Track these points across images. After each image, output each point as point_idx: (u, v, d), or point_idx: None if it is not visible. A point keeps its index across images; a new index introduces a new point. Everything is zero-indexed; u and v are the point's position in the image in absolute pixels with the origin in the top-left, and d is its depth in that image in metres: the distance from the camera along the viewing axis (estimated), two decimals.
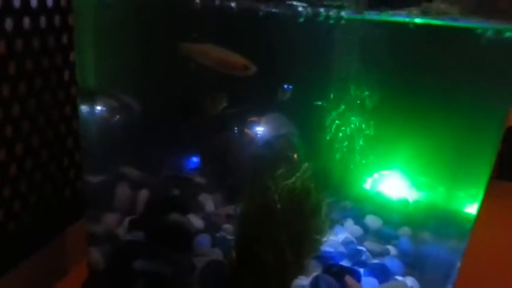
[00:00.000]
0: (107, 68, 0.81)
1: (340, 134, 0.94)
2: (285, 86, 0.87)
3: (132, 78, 0.84)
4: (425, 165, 0.89)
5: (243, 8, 0.74)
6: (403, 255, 0.82)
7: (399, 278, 0.76)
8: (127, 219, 0.80)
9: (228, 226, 0.82)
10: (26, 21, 0.67)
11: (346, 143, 0.94)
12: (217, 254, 0.75)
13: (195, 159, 0.94)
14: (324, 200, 0.75)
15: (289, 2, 0.74)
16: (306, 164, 0.73)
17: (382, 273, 0.75)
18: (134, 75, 0.83)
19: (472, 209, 0.77)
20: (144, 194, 0.84)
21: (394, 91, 0.85)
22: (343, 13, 0.71)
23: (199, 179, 0.92)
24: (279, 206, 0.70)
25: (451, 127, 0.80)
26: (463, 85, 0.76)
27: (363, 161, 0.94)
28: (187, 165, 0.94)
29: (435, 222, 0.85)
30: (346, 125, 0.93)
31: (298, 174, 0.72)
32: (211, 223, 0.82)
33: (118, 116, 0.88)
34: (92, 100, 0.80)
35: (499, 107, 0.72)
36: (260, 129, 0.93)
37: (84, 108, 0.78)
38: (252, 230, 0.70)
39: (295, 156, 0.90)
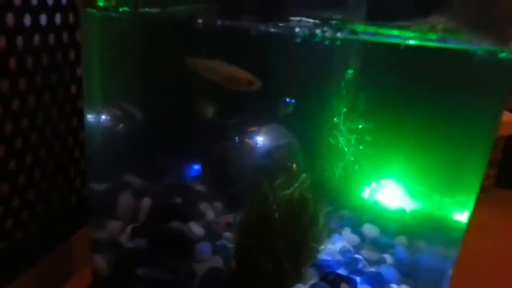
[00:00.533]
0: (113, 81, 0.84)
1: (339, 145, 0.96)
2: (287, 100, 0.89)
3: (138, 90, 0.87)
4: (421, 175, 0.92)
5: (242, 28, 0.77)
6: (398, 264, 0.84)
7: (394, 286, 0.78)
8: (130, 227, 0.83)
9: (228, 234, 0.84)
10: (36, 38, 0.71)
11: (344, 154, 0.97)
12: (217, 261, 0.78)
13: (196, 167, 0.97)
14: (322, 210, 0.77)
15: (290, 19, 0.77)
16: (304, 175, 0.76)
17: (378, 282, 0.77)
18: (139, 87, 0.86)
19: (463, 217, 0.79)
20: (146, 202, 0.86)
21: (390, 104, 0.88)
22: (339, 34, 0.74)
23: (200, 188, 0.94)
24: (277, 215, 0.73)
25: (445, 139, 0.82)
26: (455, 99, 0.78)
27: (361, 171, 0.97)
28: (188, 174, 0.97)
29: (429, 231, 0.88)
30: (344, 135, 0.96)
31: (296, 184, 0.75)
32: (211, 231, 0.84)
33: (122, 126, 0.91)
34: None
35: (489, 120, 0.75)
36: (260, 139, 0.96)
37: (89, 119, 0.81)
38: (250, 238, 0.73)
39: (294, 166, 0.93)
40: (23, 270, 0.73)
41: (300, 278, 0.75)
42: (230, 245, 0.80)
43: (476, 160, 0.76)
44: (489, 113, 0.75)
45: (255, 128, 0.96)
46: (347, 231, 0.92)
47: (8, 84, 0.66)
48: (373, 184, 1.01)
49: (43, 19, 0.72)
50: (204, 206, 0.90)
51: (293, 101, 0.89)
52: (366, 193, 1.00)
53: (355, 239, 0.90)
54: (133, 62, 0.83)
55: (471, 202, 0.75)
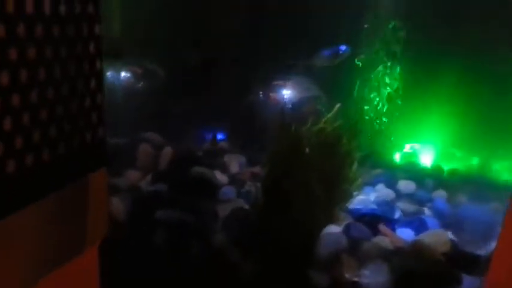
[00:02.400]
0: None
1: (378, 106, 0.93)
2: (341, 48, 0.84)
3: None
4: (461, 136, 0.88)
5: None
6: (438, 216, 0.76)
7: (437, 229, 0.70)
8: (150, 175, 0.79)
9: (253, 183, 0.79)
10: None
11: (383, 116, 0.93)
12: (241, 203, 0.72)
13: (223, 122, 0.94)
14: (355, 150, 0.72)
15: None
16: (338, 105, 0.71)
17: (419, 225, 0.70)
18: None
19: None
20: (167, 151, 0.82)
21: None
22: None
23: (225, 144, 0.91)
24: (307, 148, 0.67)
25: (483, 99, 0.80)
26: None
27: (398, 133, 0.93)
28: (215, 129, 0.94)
29: (472, 187, 0.82)
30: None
31: (328, 115, 0.70)
32: (236, 180, 0.79)
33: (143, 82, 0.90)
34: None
35: None
36: (286, 93, 0.92)
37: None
38: (279, 171, 0.67)
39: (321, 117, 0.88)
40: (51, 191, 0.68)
41: (332, 218, 0.68)
42: (255, 191, 0.75)
43: None
44: None
45: (280, 82, 0.93)
46: (381, 187, 0.85)
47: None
48: (408, 146, 0.97)
49: None
50: (228, 158, 0.86)
51: (348, 49, 0.84)
52: (401, 155, 0.96)
53: (390, 193, 0.82)
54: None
55: None
